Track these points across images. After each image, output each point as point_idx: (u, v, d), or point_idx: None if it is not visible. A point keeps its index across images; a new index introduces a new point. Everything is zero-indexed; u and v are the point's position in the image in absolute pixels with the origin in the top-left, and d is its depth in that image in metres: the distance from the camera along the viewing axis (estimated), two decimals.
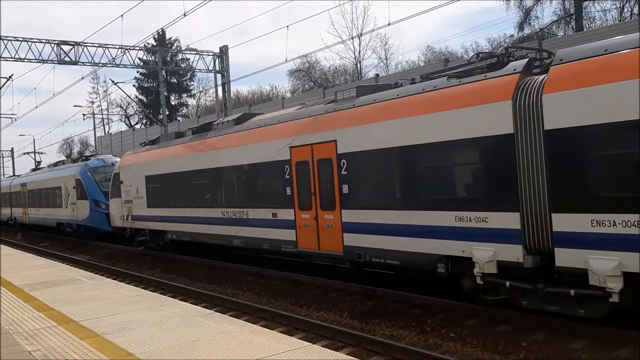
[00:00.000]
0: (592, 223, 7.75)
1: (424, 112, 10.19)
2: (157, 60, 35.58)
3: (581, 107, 7.80)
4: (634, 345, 7.75)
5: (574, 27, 36.41)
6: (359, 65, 56.04)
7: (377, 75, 34.64)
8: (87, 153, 61.10)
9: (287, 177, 13.51)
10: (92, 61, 29.02)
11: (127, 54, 30.04)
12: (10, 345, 6.85)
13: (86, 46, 28.57)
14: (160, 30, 54.22)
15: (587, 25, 36.46)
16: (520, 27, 39.71)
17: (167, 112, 46.28)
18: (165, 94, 55.67)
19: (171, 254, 19.40)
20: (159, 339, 6.74)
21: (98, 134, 64.14)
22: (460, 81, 9.84)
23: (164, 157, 19.47)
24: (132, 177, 21.37)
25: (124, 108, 73.03)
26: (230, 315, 9.56)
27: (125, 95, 53.94)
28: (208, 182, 16.92)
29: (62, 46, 27.97)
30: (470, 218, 9.40)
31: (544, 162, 8.32)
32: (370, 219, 11.38)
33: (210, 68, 31.88)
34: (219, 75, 31.95)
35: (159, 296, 10.20)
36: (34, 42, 27.42)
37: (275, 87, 69.08)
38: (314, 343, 7.91)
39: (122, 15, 26.99)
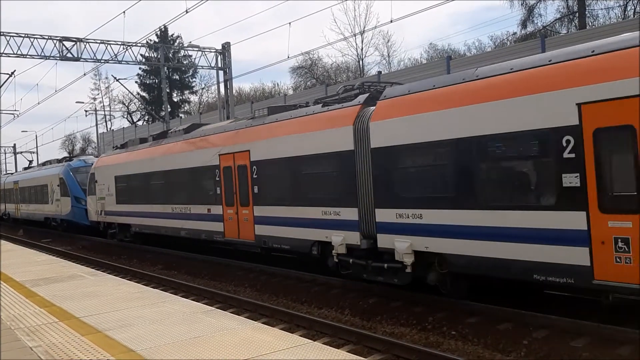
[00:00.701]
0: (396, 216, 10.78)
1: (303, 131, 13.21)
2: (159, 56, 35.60)
3: (390, 132, 10.84)
4: (635, 343, 7.74)
5: (577, 25, 36.31)
6: (361, 63, 56.02)
7: (380, 72, 34.55)
8: (89, 150, 61.27)
9: (217, 179, 16.45)
10: (94, 57, 29.02)
11: (129, 50, 30.03)
12: (12, 341, 6.86)
13: (88, 42, 28.56)
14: (162, 27, 54.31)
15: (590, 23, 36.36)
16: (524, 24, 39.63)
17: (169, 109, 46.29)
18: (168, 90, 55.66)
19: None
20: (160, 335, 6.75)
21: (100, 131, 64.22)
22: (327, 108, 12.85)
23: (129, 159, 22.38)
24: (104, 177, 24.31)
25: (126, 105, 73.15)
26: (231, 312, 9.56)
27: (127, 91, 54.01)
28: (162, 182, 19.86)
29: (64, 42, 27.96)
30: (330, 212, 12.39)
31: (370, 171, 11.35)
32: (272, 213, 14.32)
33: (213, 65, 31.87)
34: (221, 72, 31.93)
35: (160, 293, 10.21)
36: (36, 38, 27.43)
37: (278, 84, 69.09)
38: (314, 340, 7.91)
39: (124, 12, 27.05)
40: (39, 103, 44.37)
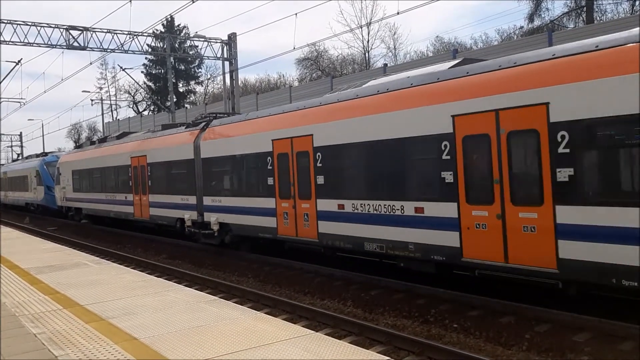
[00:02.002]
0: (211, 201, 17.32)
1: (168, 144, 20.00)
2: (165, 46, 35.58)
3: (207, 149, 17.39)
4: (636, 339, 7.74)
5: (584, 19, 36.08)
6: (367, 55, 55.83)
7: (386, 65, 34.41)
8: (95, 138, 61.70)
9: (129, 174, 22.59)
10: (101, 47, 29.00)
11: (136, 40, 30.02)
12: (16, 328, 6.91)
13: (95, 32, 28.55)
14: (168, 17, 54.12)
15: (597, 18, 36.11)
16: (531, 18, 39.39)
17: (174, 99, 46.25)
18: (173, 80, 55.65)
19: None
20: (163, 323, 6.79)
21: (106, 120, 64.33)
22: (184, 129, 19.71)
23: (80, 158, 28.99)
24: (65, 170, 30.65)
25: (132, 94, 73.19)
26: (234, 302, 9.60)
27: (133, 81, 53.96)
28: (99, 176, 25.89)
29: (71, 31, 27.96)
30: (184, 199, 18.63)
31: (201, 172, 17.71)
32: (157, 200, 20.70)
33: (218, 55, 31.81)
34: (226, 63, 31.88)
35: (164, 282, 10.26)
36: (43, 26, 27.42)
37: (283, 76, 69.04)
38: (317, 331, 7.94)
39: (130, 1, 26.90)
40: (45, 91, 44.49)
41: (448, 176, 9.88)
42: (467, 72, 9.93)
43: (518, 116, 8.82)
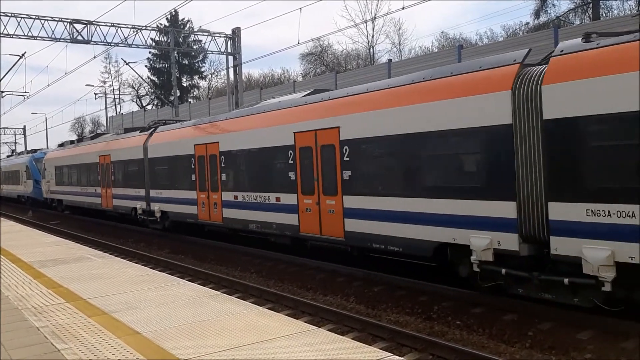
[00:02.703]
0: (155, 193, 20.73)
1: (125, 145, 23.39)
2: (169, 41, 35.51)
3: (155, 150, 20.72)
4: None
5: (591, 15, 35.90)
6: (371, 50, 55.70)
7: (390, 60, 34.33)
8: (99, 131, 62.02)
9: (98, 170, 26.03)
10: (105, 40, 28.97)
11: (140, 34, 29.96)
12: (19, 321, 6.92)
13: (99, 25, 28.52)
14: (172, 11, 54.12)
15: (604, 15, 35.93)
16: (537, 14, 39.25)
17: (178, 94, 46.22)
18: (177, 75, 55.57)
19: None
20: (165, 318, 6.79)
21: (110, 114, 64.38)
22: (138, 133, 23.21)
23: (61, 155, 32.49)
24: (49, 166, 34.21)
25: (136, 88, 73.20)
26: (237, 297, 9.59)
27: (137, 75, 54.13)
28: (76, 172, 29.43)
29: (74, 25, 27.93)
30: (137, 192, 22.13)
31: (148, 169, 21.17)
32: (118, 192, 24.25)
33: (222, 50, 31.76)
34: (230, 58, 31.83)
35: (166, 276, 10.25)
36: (47, 20, 27.42)
37: (287, 71, 68.88)
38: (319, 327, 7.92)
39: None
40: (49, 85, 44.54)
41: (292, 175, 13.74)
42: (305, 102, 13.83)
43: (325, 135, 12.66)
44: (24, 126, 77.99)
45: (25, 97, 43.40)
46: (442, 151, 10.11)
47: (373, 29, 54.79)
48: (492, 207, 9.15)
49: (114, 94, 69.87)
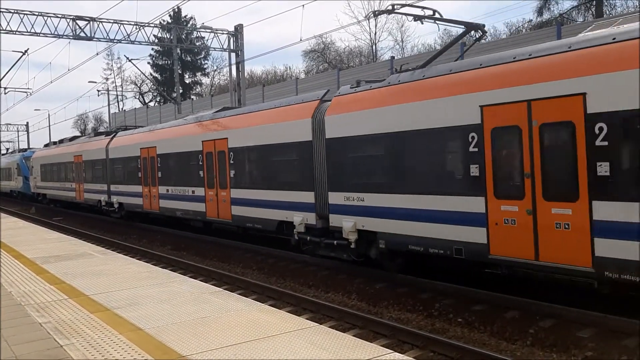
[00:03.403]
0: (115, 187, 24.84)
1: (93, 147, 27.30)
2: (171, 37, 35.53)
3: (113, 151, 24.88)
4: None
5: (594, 13, 35.80)
6: (374, 47, 55.66)
7: (393, 57, 34.26)
8: (102, 129, 62.34)
9: (74, 168, 29.81)
10: (107, 37, 28.99)
11: (142, 30, 29.98)
12: (22, 317, 6.96)
13: (101, 22, 28.53)
14: (175, 8, 54.07)
15: (607, 12, 35.82)
16: (540, 12, 39.11)
17: (180, 90, 46.20)
18: (180, 72, 55.60)
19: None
20: (167, 314, 6.81)
21: (112, 111, 64.40)
22: (103, 137, 27.45)
23: (45, 154, 36.81)
24: (36, 164, 38.53)
25: (138, 85, 73.20)
26: (238, 294, 9.62)
27: (139, 72, 54.08)
28: (56, 169, 33.37)
29: (77, 21, 27.95)
30: (101, 187, 25.76)
31: (110, 168, 25.07)
32: (88, 187, 28.32)
33: (225, 47, 31.76)
34: (233, 54, 31.83)
35: (169, 273, 10.27)
36: (50, 16, 27.44)
37: (290, 68, 68.85)
38: (321, 323, 7.95)
39: None
40: (51, 82, 44.31)
41: (201, 173, 17.35)
42: (210, 118, 17.67)
43: (220, 143, 16.31)
44: (27, 122, 78.24)
45: (28, 93, 43.37)
46: (279, 158, 14.13)
47: (376, 26, 54.97)
48: (302, 196, 13.31)
49: (116, 91, 69.94)
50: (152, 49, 65.45)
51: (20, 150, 51.73)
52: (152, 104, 68.16)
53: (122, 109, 69.49)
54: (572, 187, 8.03)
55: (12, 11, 26.73)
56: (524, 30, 42.37)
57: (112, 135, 26.03)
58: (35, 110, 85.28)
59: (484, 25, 11.78)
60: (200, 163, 17.45)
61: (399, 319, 9.59)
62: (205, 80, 72.47)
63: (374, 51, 55.42)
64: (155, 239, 20.43)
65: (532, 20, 41.11)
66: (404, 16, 11.73)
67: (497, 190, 9.02)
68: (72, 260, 11.28)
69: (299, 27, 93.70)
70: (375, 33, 55.47)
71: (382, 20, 56.22)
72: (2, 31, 26.62)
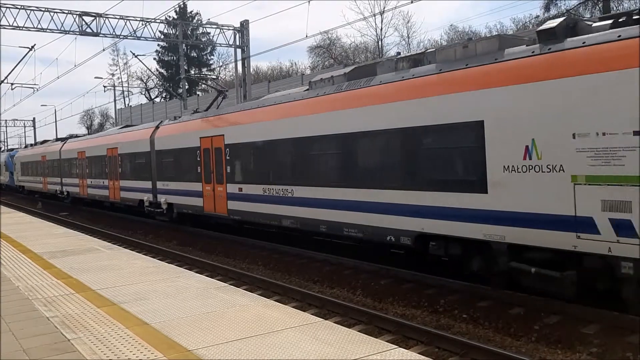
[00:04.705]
0: (63, 180, 34.30)
1: (52, 150, 36.88)
2: (177, 33, 35.53)
3: (66, 154, 33.64)
4: None
5: (601, 9, 35.57)
6: (380, 43, 55.51)
7: (399, 53, 34.19)
8: (108, 125, 62.77)
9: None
10: (114, 33, 29.04)
11: (148, 26, 30.00)
12: (29, 311, 7.02)
13: (107, 18, 28.57)
14: (181, 3, 53.96)
15: (615, 8, 35.59)
16: (547, 7, 38.92)
17: (186, 86, 46.24)
18: (185, 67, 55.65)
19: (185, 226, 22.12)
20: (174, 309, 6.85)
21: (118, 107, 64.55)
22: (60, 142, 36.97)
23: (24, 154, 45.67)
24: (18, 162, 47.09)
25: (144, 81, 73.34)
26: (244, 289, 9.64)
27: (145, 68, 54.24)
28: (30, 166, 41.16)
29: (83, 17, 28.00)
30: (55, 180, 35.28)
31: (63, 166, 34.59)
32: (49, 180, 37.39)
33: (231, 42, 31.77)
34: (238, 50, 31.83)
35: (175, 268, 10.33)
36: (56, 12, 27.51)
37: (295, 64, 68.77)
38: (326, 319, 7.97)
39: None
40: (58, 77, 44.47)
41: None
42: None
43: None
44: (34, 118, 78.45)
45: (35, 89, 43.55)
46: (137, 160, 23.28)
47: (382, 22, 54.60)
48: (147, 184, 22.27)
49: (122, 87, 70.06)
50: (158, 44, 65.54)
51: (9, 150, 62.37)
52: (158, 99, 68.27)
53: (128, 104, 69.62)
54: (223, 178, 16.98)
55: (19, 7, 26.79)
56: (531, 26, 42.14)
57: (64, 141, 35.21)
58: (42, 105, 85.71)
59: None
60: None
61: (404, 314, 9.61)
62: (211, 76, 72.44)
63: (380, 47, 55.32)
64: (161, 235, 20.51)
65: (539, 16, 40.90)
66: (410, 12, 11.68)
67: (205, 179, 18.03)
68: (79, 255, 11.35)
69: (304, 23, 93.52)
70: (382, 29, 55.27)
71: (388, 16, 55.96)
72: (8, 27, 26.71)
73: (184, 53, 43.16)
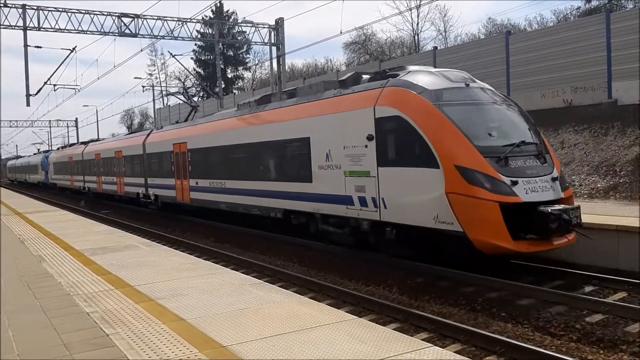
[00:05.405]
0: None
1: (75, 152, 43.85)
2: (214, 32, 35.93)
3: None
4: None
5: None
6: (416, 38, 55.01)
7: (435, 47, 33.77)
8: (148, 124, 64.30)
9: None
10: (151, 34, 29.57)
11: (185, 26, 30.46)
12: (70, 306, 7.18)
13: (145, 19, 29.12)
14: (217, 3, 54.59)
15: None
16: None
17: (223, 85, 46.70)
18: (222, 66, 56.22)
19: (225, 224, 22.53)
20: (209, 305, 6.92)
21: (157, 106, 65.69)
22: (83, 145, 43.76)
23: (55, 155, 52.06)
24: (51, 162, 53.43)
25: (182, 80, 74.33)
26: (279, 286, 9.67)
27: (182, 67, 55.07)
28: (59, 166, 47.62)
29: (122, 19, 28.61)
30: (78, 178, 42.64)
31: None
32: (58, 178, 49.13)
33: (266, 41, 31.96)
34: (274, 48, 31.99)
35: (211, 264, 10.43)
36: (96, 14, 28.16)
37: (330, 60, 68.72)
38: (361, 316, 7.93)
39: None
40: (98, 78, 45.76)
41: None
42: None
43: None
44: (76, 118, 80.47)
45: (77, 90, 44.67)
46: (134, 161, 28.63)
47: (418, 16, 54.12)
48: (140, 180, 27.30)
49: (160, 86, 71.20)
50: (195, 44, 66.36)
51: (44, 152, 67.92)
52: (195, 99, 69.09)
53: (166, 104, 70.74)
54: (187, 174, 21.95)
55: (61, 10, 27.53)
56: (572, 17, 41.12)
57: (86, 145, 41.11)
58: (84, 106, 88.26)
59: None
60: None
61: (440, 312, 9.48)
62: (247, 75, 73.04)
63: (417, 42, 54.82)
64: (199, 232, 20.76)
65: (580, 7, 39.86)
66: (446, 5, 12.52)
67: (176, 176, 22.95)
68: (119, 252, 11.58)
69: (339, 19, 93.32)
70: (418, 23, 54.75)
71: (425, 10, 55.44)
72: (50, 29, 27.43)
73: (220, 52, 43.57)
